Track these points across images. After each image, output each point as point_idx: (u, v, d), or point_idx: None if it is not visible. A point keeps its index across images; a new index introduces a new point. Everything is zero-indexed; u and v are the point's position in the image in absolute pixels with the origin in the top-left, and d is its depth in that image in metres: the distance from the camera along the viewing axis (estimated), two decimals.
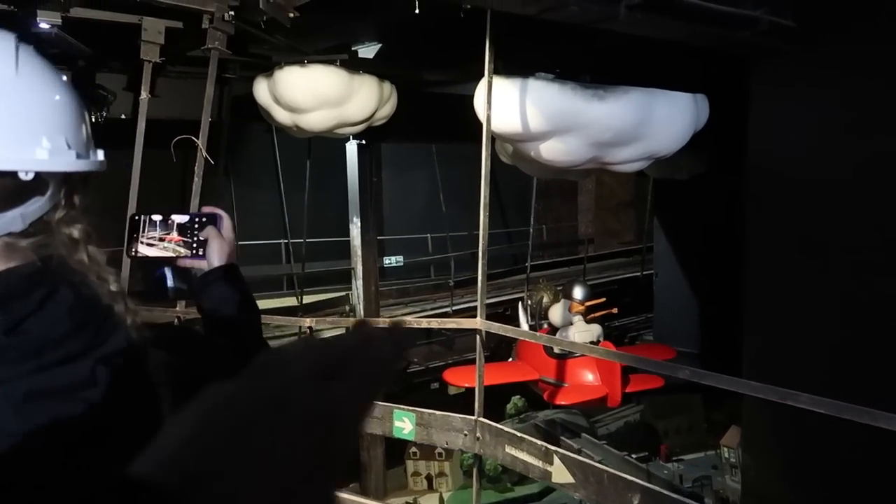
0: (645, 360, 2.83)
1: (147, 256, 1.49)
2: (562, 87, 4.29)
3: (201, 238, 1.50)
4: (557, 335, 6.74)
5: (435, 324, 3.89)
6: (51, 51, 6.89)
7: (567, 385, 6.35)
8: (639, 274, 15.89)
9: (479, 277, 3.72)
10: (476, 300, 13.32)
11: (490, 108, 3.70)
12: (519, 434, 3.32)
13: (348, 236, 14.52)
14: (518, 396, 13.12)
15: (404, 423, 3.88)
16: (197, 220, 1.53)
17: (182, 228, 1.51)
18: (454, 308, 12.74)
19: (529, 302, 7.63)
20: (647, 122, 4.41)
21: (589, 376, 6.33)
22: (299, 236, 14.39)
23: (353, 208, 10.85)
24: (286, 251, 14.24)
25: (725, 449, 10.30)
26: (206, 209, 1.58)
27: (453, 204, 16.39)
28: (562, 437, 11.90)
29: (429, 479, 11.88)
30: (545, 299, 7.41)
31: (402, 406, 3.91)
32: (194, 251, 1.50)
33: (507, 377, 7.14)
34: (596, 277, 15.66)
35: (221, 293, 1.49)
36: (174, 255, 1.49)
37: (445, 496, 10.94)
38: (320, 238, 13.04)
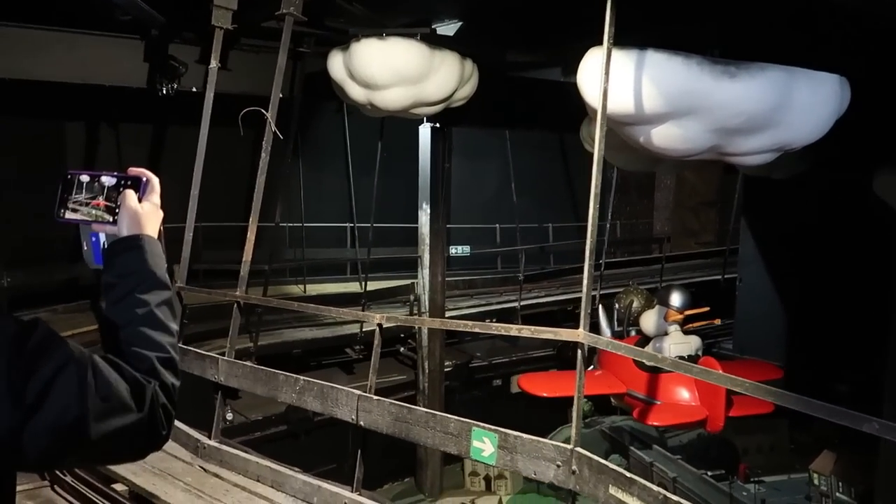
0: (792, 398, 2.26)
1: (70, 221, 1.43)
2: (686, 61, 3.64)
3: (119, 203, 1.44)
4: (650, 346, 6.09)
5: (527, 332, 3.34)
6: (123, 17, 6.61)
7: (660, 403, 5.70)
8: (720, 277, 14.89)
9: (584, 282, 3.16)
10: (545, 296, 12.66)
11: (607, 81, 3.10)
12: (628, 474, 2.73)
13: (415, 223, 14.10)
14: (586, 401, 12.44)
15: (484, 444, 3.35)
16: (122, 183, 1.46)
17: (109, 192, 1.45)
18: (522, 303, 12.14)
19: (617, 306, 6.99)
20: (785, 108, 3.72)
21: (685, 394, 5.66)
22: (364, 221, 14.09)
23: (423, 194, 10.36)
24: (351, 236, 13.90)
25: (816, 475, 9.40)
26: (132, 171, 1.51)
27: (524, 195, 15.76)
28: (631, 448, 11.17)
29: (487, 480, 11.38)
30: (635, 304, 6.75)
31: (482, 424, 3.37)
32: (114, 217, 1.43)
33: (590, 389, 6.53)
34: (672, 278, 14.75)
35: (121, 267, 1.42)
36: (91, 221, 1.43)
37: (504, 500, 10.43)
38: (386, 224, 12.62)
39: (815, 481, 9.33)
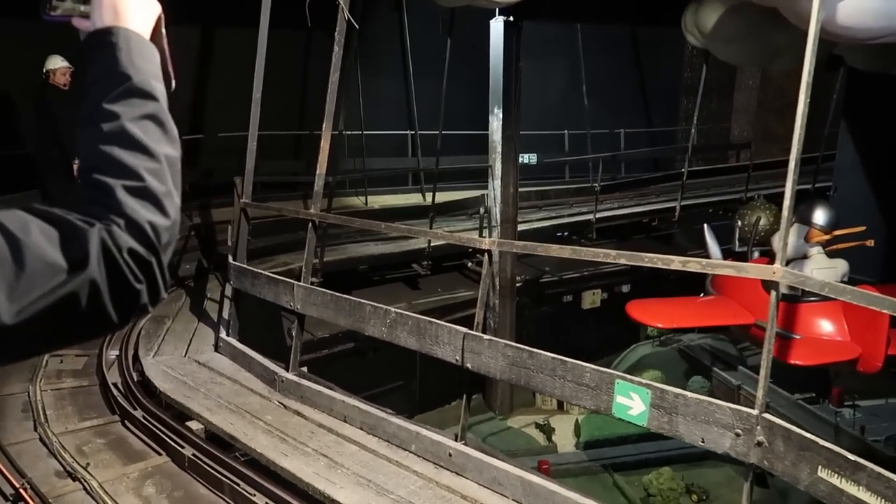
0: None
1: (55, 20, 1.18)
2: None
3: None
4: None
5: (726, 269, 2.59)
6: None
7: (799, 337, 4.96)
8: (809, 187, 13.69)
9: (786, 203, 2.39)
10: (619, 208, 11.81)
11: None
12: (850, 455, 2.05)
13: (478, 129, 13.19)
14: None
15: (632, 401, 2.70)
16: None
17: None
18: (597, 216, 11.31)
19: (740, 223, 6.13)
20: None
21: (830, 328, 4.90)
22: (424, 129, 13.24)
23: (494, 97, 9.45)
24: (412, 144, 13.09)
25: None
26: None
27: (593, 99, 14.57)
28: (714, 369, 10.53)
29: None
30: (762, 221, 5.89)
31: (629, 377, 2.72)
32: (85, 5, 1.16)
33: (710, 319, 5.82)
34: (754, 188, 13.63)
35: (92, 73, 1.09)
36: (69, 17, 1.16)
37: (579, 419, 10.01)
38: (450, 131, 11.74)
39: None
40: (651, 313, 5.83)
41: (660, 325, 5.86)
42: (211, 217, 9.89)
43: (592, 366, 2.93)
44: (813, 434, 7.26)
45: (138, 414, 4.31)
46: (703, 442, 2.58)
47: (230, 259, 5.28)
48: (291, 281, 4.56)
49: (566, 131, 14.87)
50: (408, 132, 13.04)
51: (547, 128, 15.05)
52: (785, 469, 2.36)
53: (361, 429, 3.96)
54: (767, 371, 2.52)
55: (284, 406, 4.34)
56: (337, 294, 4.24)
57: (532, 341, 11.65)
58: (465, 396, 3.71)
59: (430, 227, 10.05)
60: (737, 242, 6.17)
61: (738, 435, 2.49)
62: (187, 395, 4.46)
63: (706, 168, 14.61)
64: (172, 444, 3.91)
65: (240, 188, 5.86)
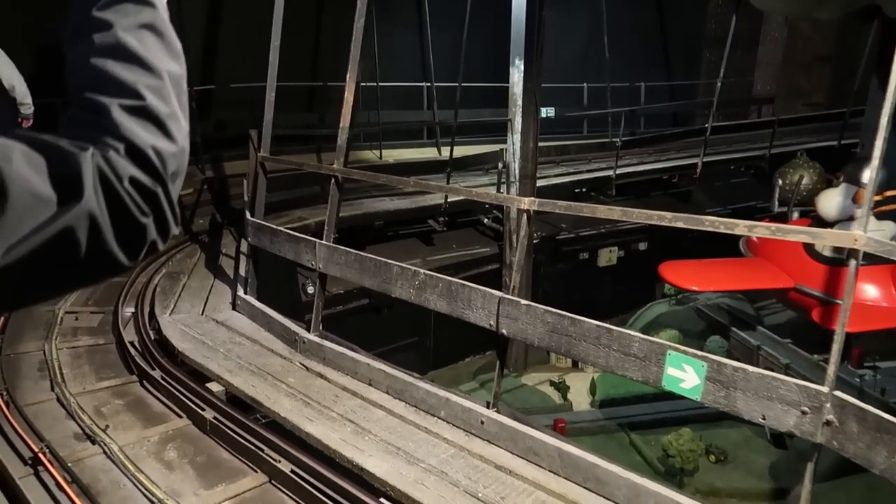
0: None
1: None
2: None
3: None
4: None
5: (801, 235, 2.37)
6: None
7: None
8: (835, 144, 13.32)
9: (873, 164, 2.17)
10: (638, 164, 11.51)
11: None
12: None
13: (497, 82, 12.78)
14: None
15: (684, 373, 2.53)
16: None
17: None
18: (617, 171, 11.03)
19: (781, 182, 5.87)
20: None
21: (877, 293, 4.70)
22: (440, 81, 12.86)
23: (515, 48, 9.08)
24: (428, 96, 12.74)
25: None
26: None
27: (616, 51, 14.09)
28: (732, 328, 10.39)
29: None
30: (805, 180, 5.62)
31: (681, 348, 2.55)
32: None
33: (747, 282, 5.62)
34: (778, 144, 13.26)
35: None
36: None
37: (595, 377, 9.93)
38: (467, 84, 11.37)
39: None
40: (685, 276, 5.64)
41: (695, 289, 5.66)
42: (224, 170, 9.69)
43: (641, 335, 2.75)
44: None
45: (156, 374, 4.19)
46: (763, 419, 2.42)
47: (247, 215, 5.10)
48: (313, 239, 4.38)
49: (585, 84, 14.44)
50: (423, 84, 12.66)
51: (565, 80, 14.63)
52: (857, 451, 2.19)
53: (387, 393, 3.83)
54: (840, 346, 2.35)
55: (307, 368, 4.21)
56: (361, 253, 4.06)
57: (547, 299, 11.50)
58: (498, 363, 3.55)
59: (448, 182, 9.82)
60: (776, 202, 5.93)
61: (804, 413, 2.33)
62: (207, 355, 4.33)
63: (729, 124, 14.20)
64: (193, 406, 3.79)
65: (256, 141, 5.65)
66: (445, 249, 10.51)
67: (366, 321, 9.77)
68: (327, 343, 4.27)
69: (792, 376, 8.75)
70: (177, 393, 3.94)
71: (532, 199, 3.24)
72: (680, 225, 2.62)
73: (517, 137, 9.43)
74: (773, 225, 2.39)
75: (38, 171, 0.74)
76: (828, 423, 2.26)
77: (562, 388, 9.78)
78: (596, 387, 9.68)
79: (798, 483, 7.33)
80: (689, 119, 16.88)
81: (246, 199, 5.75)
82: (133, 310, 5.30)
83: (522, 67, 9.09)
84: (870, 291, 4.80)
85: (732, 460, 7.66)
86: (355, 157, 11.06)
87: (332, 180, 4.35)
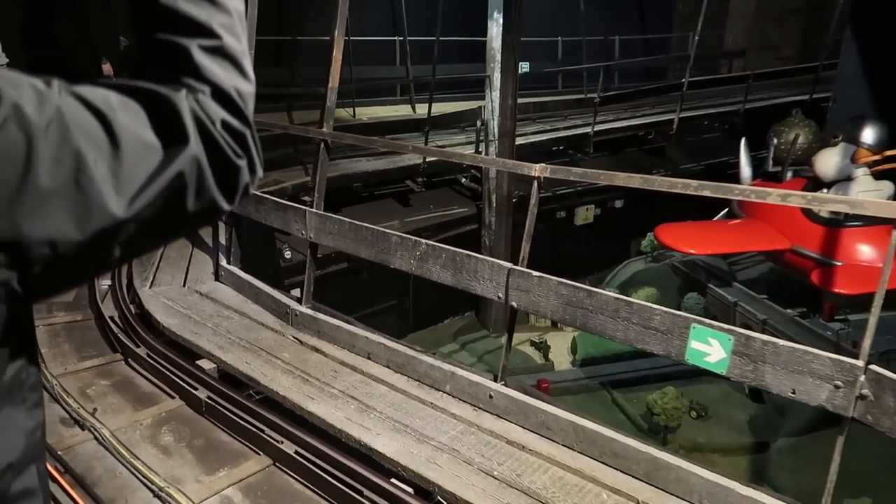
0: None
1: None
2: None
3: None
4: (833, 193, 5.01)
5: (841, 205, 2.26)
6: None
7: (841, 264, 4.75)
8: (807, 98, 13.38)
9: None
10: (615, 120, 11.39)
11: None
12: None
13: (473, 36, 12.43)
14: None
15: (709, 347, 2.47)
16: None
17: None
18: (595, 128, 10.90)
19: (776, 141, 5.80)
20: None
21: (875, 254, 4.70)
22: (412, 35, 12.47)
23: (494, 1, 8.79)
24: (400, 51, 12.35)
25: None
26: None
27: (589, 3, 13.81)
28: (709, 286, 10.50)
29: None
30: (801, 139, 5.56)
31: (705, 321, 2.48)
32: None
33: (744, 244, 5.58)
34: (750, 100, 13.27)
35: None
36: None
37: (576, 336, 9.98)
38: (443, 38, 11.02)
39: None
40: (682, 239, 5.59)
41: (692, 252, 5.61)
42: None
43: (663, 308, 2.67)
44: None
45: (142, 352, 4.00)
46: (793, 393, 2.37)
47: None
48: (303, 207, 4.18)
49: (560, 38, 14.17)
50: (395, 38, 12.25)
51: (537, 34, 14.33)
52: (894, 425, 2.15)
53: (388, 367, 3.71)
54: (877, 318, 2.29)
55: (300, 342, 4.06)
56: (356, 222, 3.89)
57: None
58: (507, 335, 3.46)
59: (426, 142, 9.60)
60: (770, 161, 5.88)
61: (837, 387, 2.28)
62: (194, 331, 4.14)
63: (706, 78, 14.13)
64: (185, 385, 3.63)
65: None
66: (422, 210, 10.34)
67: (345, 285, 9.61)
68: (321, 315, 4.12)
69: (770, 333, 8.84)
70: (166, 372, 3.77)
71: (543, 165, 3.10)
72: (706, 193, 2.52)
73: (496, 94, 9.21)
74: (809, 194, 2.30)
75: (137, 117, 0.72)
76: (861, 397, 2.22)
77: (542, 347, 9.81)
78: (576, 346, 9.73)
79: (776, 437, 7.52)
80: (662, 73, 16.78)
81: None
82: (109, 282, 5.05)
83: (501, 21, 8.82)
84: (868, 253, 4.81)
85: (713, 416, 7.80)
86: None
87: (321, 145, 4.13)
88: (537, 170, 3.08)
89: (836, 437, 2.40)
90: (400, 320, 10.36)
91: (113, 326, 4.33)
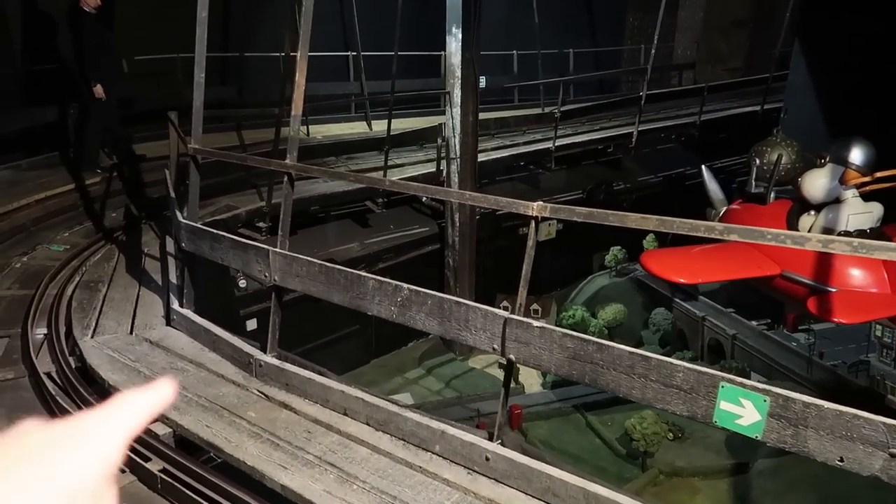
0: None
1: None
2: None
3: None
4: (822, 217, 4.86)
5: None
6: None
7: (835, 290, 4.59)
8: (758, 109, 13.55)
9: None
10: (573, 134, 11.27)
11: None
12: None
13: (430, 51, 12.14)
14: (619, 248, 11.57)
15: (742, 408, 2.19)
16: None
17: None
18: (556, 143, 10.73)
19: (758, 162, 5.65)
20: None
21: (870, 280, 4.55)
22: (366, 50, 12.11)
23: (452, 15, 8.54)
24: (354, 67, 11.98)
25: (879, 326, 8.73)
26: None
27: (542, 16, 13.70)
28: (675, 300, 10.42)
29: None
30: (784, 159, 5.42)
31: (736, 379, 2.20)
32: None
33: (736, 271, 5.38)
34: (702, 112, 13.35)
35: None
36: None
37: None
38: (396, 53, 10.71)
39: (878, 332, 8.69)
40: (670, 268, 5.37)
41: (682, 281, 5.39)
42: (133, 153, 8.72)
43: (686, 364, 2.39)
44: (786, 367, 7.02)
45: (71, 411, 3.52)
46: (841, 461, 2.11)
47: (178, 216, 4.41)
48: (265, 247, 3.78)
49: (515, 52, 14.02)
50: (349, 53, 11.87)
51: (491, 48, 14.16)
52: None
53: (368, 424, 3.34)
54: None
55: (267, 397, 3.65)
56: (327, 264, 3.51)
57: (489, 275, 11.06)
58: (503, 390, 3.13)
59: (386, 162, 9.25)
60: (753, 182, 5.73)
61: (893, 455, 2.02)
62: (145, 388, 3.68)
63: (663, 91, 14.18)
64: (135, 456, 3.18)
65: (177, 125, 4.92)
66: (382, 230, 9.96)
67: (303, 312, 9.14)
68: (289, 366, 3.72)
69: (740, 348, 8.69)
70: None
71: (542, 204, 2.79)
72: (734, 238, 2.24)
73: (457, 111, 8.93)
74: (851, 240, 2.05)
75: None
76: None
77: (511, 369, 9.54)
78: None
79: (755, 457, 7.39)
80: (615, 86, 16.84)
81: (172, 194, 5.03)
82: (45, 331, 4.54)
83: (460, 36, 8.56)
84: (862, 278, 4.67)
85: (689, 436, 7.65)
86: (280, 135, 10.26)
87: (286, 178, 3.75)
88: (535, 209, 2.78)
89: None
90: (362, 346, 9.94)
91: (50, 385, 3.83)
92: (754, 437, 2.29)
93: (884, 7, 8.89)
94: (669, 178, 13.27)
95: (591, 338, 2.62)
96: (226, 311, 7.88)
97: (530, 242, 2.87)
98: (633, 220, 2.47)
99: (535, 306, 10.91)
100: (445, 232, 9.84)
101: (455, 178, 9.21)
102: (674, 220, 2.37)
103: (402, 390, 9.05)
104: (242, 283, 8.25)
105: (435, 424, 3.15)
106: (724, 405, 2.32)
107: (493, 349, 2.91)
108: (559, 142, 10.75)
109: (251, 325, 8.65)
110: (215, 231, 4.12)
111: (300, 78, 3.67)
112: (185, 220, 4.31)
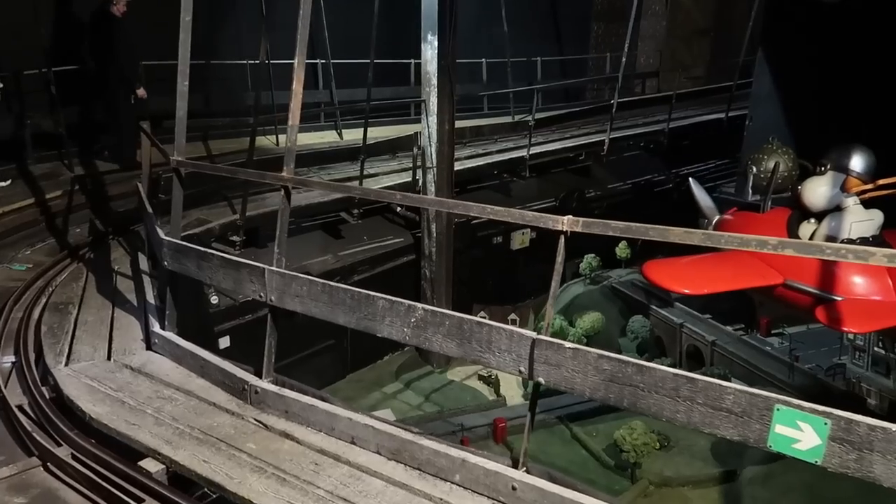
0: None
1: None
2: None
3: None
4: (824, 226, 4.83)
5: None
6: None
7: (841, 299, 4.56)
8: (723, 116, 13.76)
9: None
10: (546, 142, 11.27)
11: None
12: None
13: (404, 58, 11.95)
14: (593, 255, 11.56)
15: (800, 432, 2.07)
16: None
17: None
18: (531, 151, 10.67)
19: (755, 170, 5.62)
20: None
21: (875, 287, 4.53)
22: (335, 57, 11.86)
23: (428, 23, 8.40)
24: (323, 75, 11.72)
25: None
26: None
27: (509, 24, 13.66)
28: (651, 307, 10.44)
29: None
30: (782, 167, 5.40)
31: (793, 401, 2.08)
32: None
33: (740, 281, 5.31)
34: (671, 120, 13.49)
35: None
36: None
37: None
38: (365, 60, 10.50)
39: (851, 336, 8.81)
40: (674, 278, 5.28)
41: (687, 292, 5.31)
42: (96, 166, 8.33)
43: (737, 386, 2.26)
44: (767, 372, 6.97)
45: (64, 453, 3.24)
46: None
47: (159, 233, 4.13)
48: (261, 265, 3.54)
49: (484, 60, 13.95)
50: (318, 61, 11.62)
51: (460, 56, 14.06)
52: None
53: (379, 454, 3.13)
54: None
55: (266, 426, 3.41)
56: (330, 283, 3.30)
57: (465, 285, 10.84)
58: (528, 417, 2.96)
59: (361, 172, 9.04)
60: (749, 191, 5.71)
61: None
62: (131, 420, 3.40)
63: (633, 99, 14.29)
64: (126, 497, 2.92)
65: (149, 136, 4.65)
66: (356, 242, 9.74)
67: (279, 328, 8.83)
68: (288, 392, 3.48)
69: (719, 354, 8.71)
70: (99, 480, 3.03)
71: (573, 218, 2.64)
72: (789, 252, 2.13)
73: (433, 119, 8.79)
74: (861, 248, 1.96)
75: None
76: None
77: (492, 381, 9.39)
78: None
79: (743, 464, 7.37)
80: (581, 94, 16.93)
81: (148, 208, 4.75)
82: (13, 359, 4.20)
83: (436, 44, 8.43)
84: (867, 286, 4.66)
85: (675, 444, 7.61)
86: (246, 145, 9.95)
87: (282, 191, 3.52)
88: (565, 223, 2.63)
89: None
90: (338, 360, 9.68)
91: (23, 419, 3.53)
92: (814, 461, 2.17)
93: (845, 18, 9.07)
94: (639, 186, 13.37)
95: (630, 359, 2.47)
96: (198, 329, 7.54)
97: (559, 259, 2.71)
98: (677, 234, 2.34)
99: (512, 316, 10.81)
100: (421, 242, 9.66)
101: (431, 188, 9.05)
102: (721, 234, 2.25)
103: (381, 406, 8.81)
104: (214, 300, 7.92)
105: (454, 452, 2.96)
106: (779, 429, 2.20)
107: (520, 372, 2.74)
108: (534, 150, 10.68)
109: (224, 342, 8.32)
110: (203, 249, 3.87)
111: (297, 86, 3.46)
112: (167, 238, 4.04)
